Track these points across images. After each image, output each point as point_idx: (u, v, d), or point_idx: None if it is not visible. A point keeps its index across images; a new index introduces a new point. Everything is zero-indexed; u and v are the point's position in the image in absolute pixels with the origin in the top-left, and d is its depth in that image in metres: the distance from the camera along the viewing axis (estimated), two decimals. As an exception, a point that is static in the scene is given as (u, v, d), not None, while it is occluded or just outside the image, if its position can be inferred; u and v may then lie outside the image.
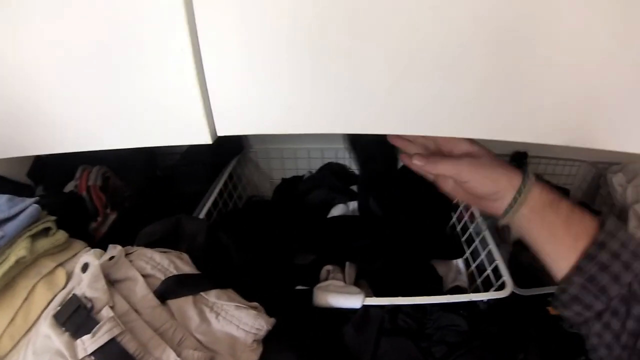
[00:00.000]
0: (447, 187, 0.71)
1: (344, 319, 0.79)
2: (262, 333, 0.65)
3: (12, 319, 0.63)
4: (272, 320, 0.67)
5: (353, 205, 1.12)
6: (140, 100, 0.61)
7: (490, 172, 0.63)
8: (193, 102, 0.60)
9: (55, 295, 0.66)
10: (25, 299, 0.66)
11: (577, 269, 0.56)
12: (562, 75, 0.56)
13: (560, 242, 0.59)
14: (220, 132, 0.64)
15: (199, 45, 0.55)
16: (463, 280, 0.95)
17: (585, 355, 0.80)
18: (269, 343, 0.66)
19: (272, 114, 0.62)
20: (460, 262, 1.00)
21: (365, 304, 0.78)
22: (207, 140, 0.64)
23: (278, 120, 0.62)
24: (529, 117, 0.60)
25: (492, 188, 0.63)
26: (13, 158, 0.99)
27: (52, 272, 0.71)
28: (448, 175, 0.67)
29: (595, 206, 1.37)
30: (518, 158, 1.34)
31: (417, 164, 0.67)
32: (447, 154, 0.69)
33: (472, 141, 0.67)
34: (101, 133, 0.67)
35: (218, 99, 0.60)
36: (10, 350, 0.61)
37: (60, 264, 0.73)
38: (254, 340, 0.64)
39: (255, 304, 0.68)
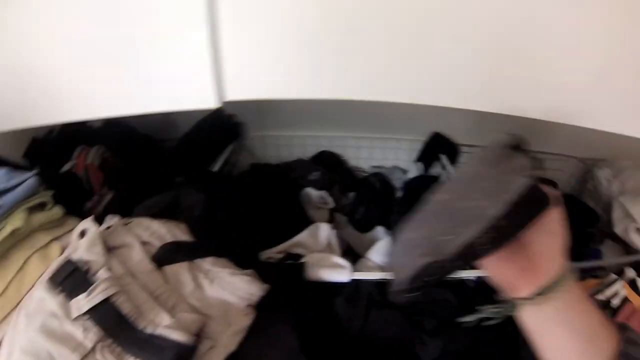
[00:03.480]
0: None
1: (336, 291, 0.80)
2: (255, 298, 0.65)
3: (4, 290, 0.63)
4: (266, 286, 0.67)
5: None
6: (151, 65, 0.62)
7: (560, 233, 0.53)
8: (203, 66, 0.60)
9: (49, 268, 0.65)
10: (19, 270, 0.66)
11: None
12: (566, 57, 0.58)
13: (589, 341, 0.50)
14: (229, 97, 0.64)
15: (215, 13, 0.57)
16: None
17: None
18: (263, 314, 0.66)
19: (279, 78, 0.62)
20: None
21: (354, 277, 0.80)
22: (213, 104, 0.64)
23: (284, 84, 0.63)
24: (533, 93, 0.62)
25: (550, 248, 0.52)
26: (10, 138, 1.00)
27: (46, 245, 0.71)
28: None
29: (583, 199, 1.40)
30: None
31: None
32: None
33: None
34: (112, 99, 0.67)
35: (230, 62, 0.61)
36: (0, 322, 0.61)
37: (55, 239, 0.73)
38: (247, 305, 0.64)
39: (249, 271, 0.69)
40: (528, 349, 0.73)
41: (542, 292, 0.50)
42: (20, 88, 0.67)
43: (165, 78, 0.63)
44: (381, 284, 0.82)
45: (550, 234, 0.53)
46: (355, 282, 0.80)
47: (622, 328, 0.51)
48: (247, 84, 0.64)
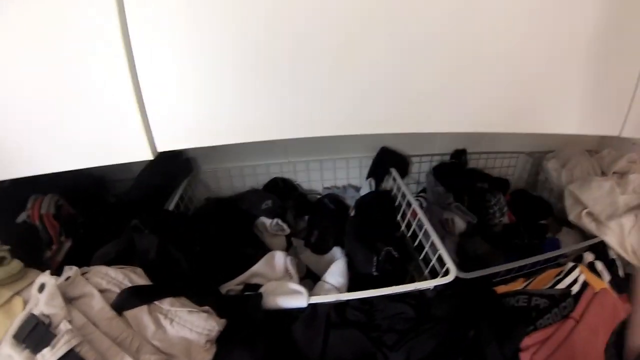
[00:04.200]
0: None
1: (294, 317, 0.81)
2: (214, 334, 0.68)
3: None
4: (223, 321, 0.70)
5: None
6: (82, 120, 0.63)
7: None
8: (132, 120, 0.62)
9: (14, 324, 0.66)
10: None
11: None
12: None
13: None
14: (161, 148, 0.67)
15: (135, 66, 0.59)
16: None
17: (534, 325, 0.83)
18: (222, 344, 0.69)
19: (211, 126, 0.65)
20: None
21: (311, 302, 0.82)
22: (148, 156, 0.66)
23: (217, 131, 0.65)
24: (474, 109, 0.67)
25: None
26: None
27: (8, 301, 0.71)
28: None
29: (537, 192, 1.49)
30: (457, 155, 1.42)
31: None
32: None
33: None
34: (50, 156, 0.68)
35: (156, 114, 0.63)
36: None
37: (17, 293, 0.73)
38: (207, 341, 0.67)
39: (206, 307, 0.71)
40: (493, 351, 0.77)
41: None
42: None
43: (97, 133, 0.64)
44: (338, 305, 0.84)
45: None
46: (312, 306, 0.82)
47: None
48: (176, 133, 0.66)
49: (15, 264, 0.76)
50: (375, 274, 0.99)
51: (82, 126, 0.64)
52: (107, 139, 0.65)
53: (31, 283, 0.75)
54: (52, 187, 1.05)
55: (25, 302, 0.72)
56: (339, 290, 0.93)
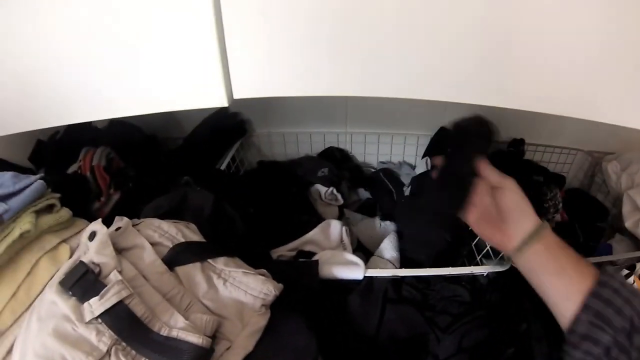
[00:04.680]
0: (471, 219, 0.74)
1: (348, 289, 0.79)
2: (270, 298, 0.63)
3: (15, 293, 0.62)
4: (280, 285, 0.65)
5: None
6: (159, 64, 0.60)
7: (524, 198, 0.68)
8: (212, 65, 0.59)
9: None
10: (29, 273, 0.64)
11: (585, 307, 0.58)
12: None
13: (569, 282, 0.61)
14: (237, 95, 0.63)
15: (220, 6, 0.55)
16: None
17: None
18: (276, 310, 0.65)
19: (287, 75, 0.61)
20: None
21: (367, 275, 0.78)
22: (223, 102, 0.62)
23: (293, 82, 0.62)
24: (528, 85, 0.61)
25: (519, 208, 0.68)
26: (15, 142, 0.99)
27: (55, 247, 0.70)
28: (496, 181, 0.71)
29: (592, 193, 1.39)
30: (515, 144, 1.34)
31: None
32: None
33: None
34: (121, 100, 0.65)
35: (236, 60, 0.60)
36: (11, 325, 0.60)
37: (64, 240, 0.71)
38: (262, 305, 0.63)
39: (263, 270, 0.67)
40: (542, 350, 0.72)
41: (524, 243, 0.66)
42: (24, 91, 0.66)
43: (173, 77, 0.61)
44: (394, 281, 0.81)
45: (511, 194, 0.68)
46: (368, 279, 0.79)
47: (599, 269, 0.61)
48: (254, 81, 0.62)
49: (65, 212, 0.75)
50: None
51: (161, 70, 0.61)
52: (185, 83, 0.62)
53: (79, 232, 0.74)
54: (103, 143, 1.04)
55: (72, 250, 0.70)
56: (394, 265, 0.90)
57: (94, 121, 1.11)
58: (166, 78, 0.61)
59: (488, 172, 0.72)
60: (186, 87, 0.62)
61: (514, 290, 0.81)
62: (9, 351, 0.57)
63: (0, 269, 0.63)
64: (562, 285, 0.62)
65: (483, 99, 0.62)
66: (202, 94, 0.63)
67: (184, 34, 0.57)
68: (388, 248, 0.95)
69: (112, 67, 0.61)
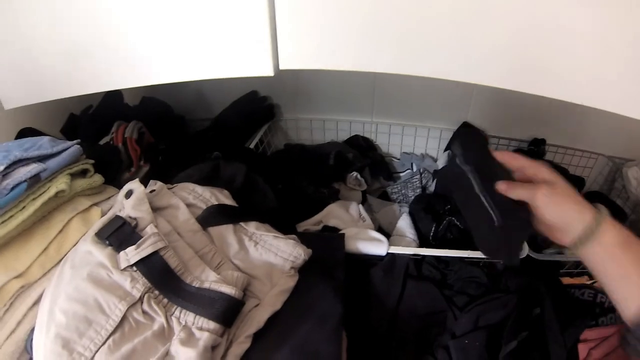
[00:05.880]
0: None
1: (371, 264, 0.80)
2: (300, 261, 0.64)
3: (45, 249, 0.63)
4: (309, 250, 0.66)
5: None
6: (209, 31, 0.61)
7: (563, 202, 0.61)
8: (261, 34, 0.60)
9: (89, 231, 0.65)
10: (60, 231, 0.66)
11: None
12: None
13: (631, 283, 0.56)
14: (283, 65, 0.63)
15: None
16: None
17: (595, 320, 0.81)
18: (305, 275, 0.65)
19: (335, 49, 0.61)
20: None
21: (390, 251, 0.79)
22: (269, 72, 0.63)
23: (340, 56, 0.62)
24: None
25: (561, 218, 0.61)
26: (47, 114, 1.01)
27: (87, 209, 0.71)
28: (525, 200, 0.64)
29: (611, 198, 1.36)
30: (536, 144, 1.33)
31: (501, 188, 0.65)
32: (529, 179, 0.66)
33: (551, 170, 0.64)
34: (170, 65, 0.66)
35: (285, 30, 0.60)
36: (40, 279, 0.61)
37: (96, 204, 0.73)
38: (292, 268, 0.64)
39: (292, 235, 0.68)
40: (554, 334, 0.72)
41: (578, 245, 0.59)
42: (71, 56, 0.67)
43: (222, 44, 0.62)
44: (416, 259, 0.82)
45: (546, 197, 0.61)
46: (391, 256, 0.80)
47: None
48: (301, 54, 0.63)
49: (97, 177, 0.77)
50: (432, 242, 0.96)
51: (210, 36, 0.62)
52: (233, 51, 0.63)
53: (109, 197, 0.76)
54: (135, 118, 1.06)
55: (103, 213, 0.72)
56: (417, 243, 0.91)
57: (126, 98, 1.14)
58: (215, 45, 0.62)
59: (522, 162, 0.67)
60: (234, 55, 0.63)
61: (531, 278, 0.82)
62: (36, 302, 0.58)
63: (33, 225, 0.65)
64: (622, 288, 0.57)
65: (520, 86, 0.61)
66: (250, 63, 0.63)
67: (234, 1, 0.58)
68: (407, 227, 0.96)
69: (161, 33, 0.62)
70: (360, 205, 0.95)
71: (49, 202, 0.66)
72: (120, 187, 0.73)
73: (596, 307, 0.83)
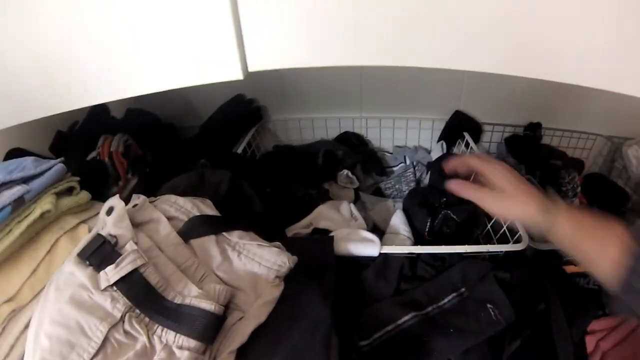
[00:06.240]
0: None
1: (363, 265, 0.78)
2: (284, 270, 0.63)
3: (34, 270, 0.63)
4: (295, 258, 0.64)
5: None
6: (174, 39, 0.60)
7: (510, 206, 0.64)
8: (226, 37, 0.58)
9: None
10: (48, 251, 0.66)
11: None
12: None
13: (604, 258, 0.55)
14: (252, 67, 0.62)
15: None
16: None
17: (602, 310, 0.80)
18: (291, 283, 0.64)
19: (302, 46, 0.60)
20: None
21: (382, 252, 0.77)
22: (238, 75, 0.62)
23: (307, 53, 0.61)
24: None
25: (516, 221, 0.69)
26: (35, 132, 1.00)
27: (75, 228, 0.70)
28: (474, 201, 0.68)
29: (612, 178, 1.35)
30: (532, 128, 1.32)
31: (453, 188, 0.69)
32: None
33: (507, 176, 0.66)
34: (137, 78, 0.65)
35: (250, 32, 0.59)
36: (31, 301, 0.60)
37: (83, 221, 0.72)
38: (276, 277, 0.62)
39: (277, 243, 0.67)
40: (561, 328, 0.71)
41: (542, 220, 0.60)
42: (45, 75, 0.66)
43: (188, 52, 0.61)
44: (411, 258, 0.80)
45: (501, 212, 0.65)
46: (384, 256, 0.78)
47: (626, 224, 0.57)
48: (269, 54, 0.62)
49: (84, 195, 0.76)
50: (428, 238, 0.94)
51: (177, 45, 0.61)
52: (201, 58, 0.61)
53: (97, 214, 0.74)
54: (121, 131, 1.05)
55: (91, 230, 0.70)
56: (411, 241, 0.90)
57: (113, 111, 1.13)
58: (182, 53, 0.61)
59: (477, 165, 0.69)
60: (202, 62, 0.62)
61: (533, 271, 0.80)
62: (27, 325, 0.57)
63: (21, 247, 0.64)
64: (602, 265, 0.56)
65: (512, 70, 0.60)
66: (218, 68, 0.62)
67: (197, 7, 0.57)
68: (401, 224, 0.94)
69: (129, 45, 0.61)
70: (352, 204, 0.94)
71: (35, 224, 0.65)
72: (109, 201, 0.72)
73: (604, 295, 0.82)
